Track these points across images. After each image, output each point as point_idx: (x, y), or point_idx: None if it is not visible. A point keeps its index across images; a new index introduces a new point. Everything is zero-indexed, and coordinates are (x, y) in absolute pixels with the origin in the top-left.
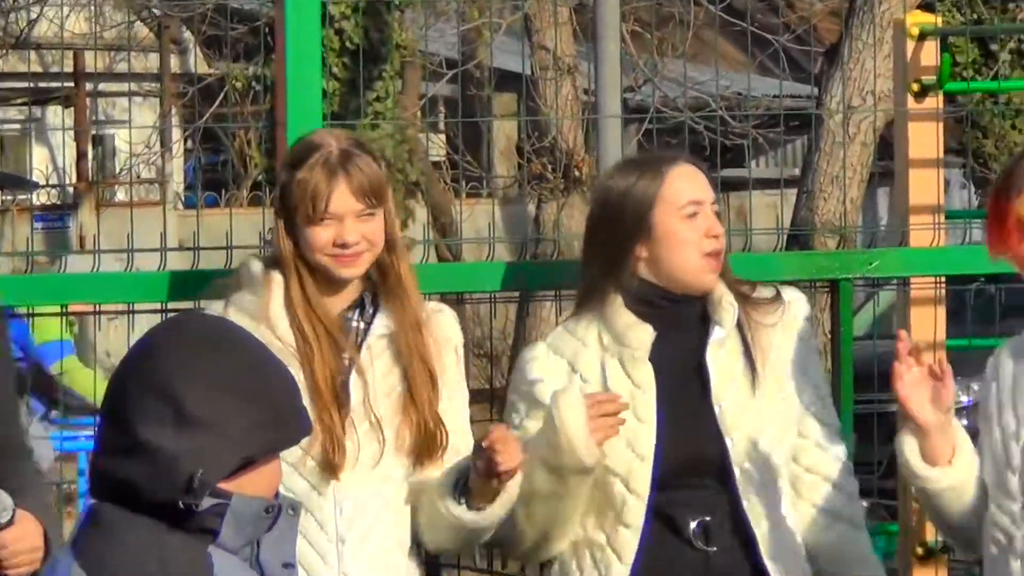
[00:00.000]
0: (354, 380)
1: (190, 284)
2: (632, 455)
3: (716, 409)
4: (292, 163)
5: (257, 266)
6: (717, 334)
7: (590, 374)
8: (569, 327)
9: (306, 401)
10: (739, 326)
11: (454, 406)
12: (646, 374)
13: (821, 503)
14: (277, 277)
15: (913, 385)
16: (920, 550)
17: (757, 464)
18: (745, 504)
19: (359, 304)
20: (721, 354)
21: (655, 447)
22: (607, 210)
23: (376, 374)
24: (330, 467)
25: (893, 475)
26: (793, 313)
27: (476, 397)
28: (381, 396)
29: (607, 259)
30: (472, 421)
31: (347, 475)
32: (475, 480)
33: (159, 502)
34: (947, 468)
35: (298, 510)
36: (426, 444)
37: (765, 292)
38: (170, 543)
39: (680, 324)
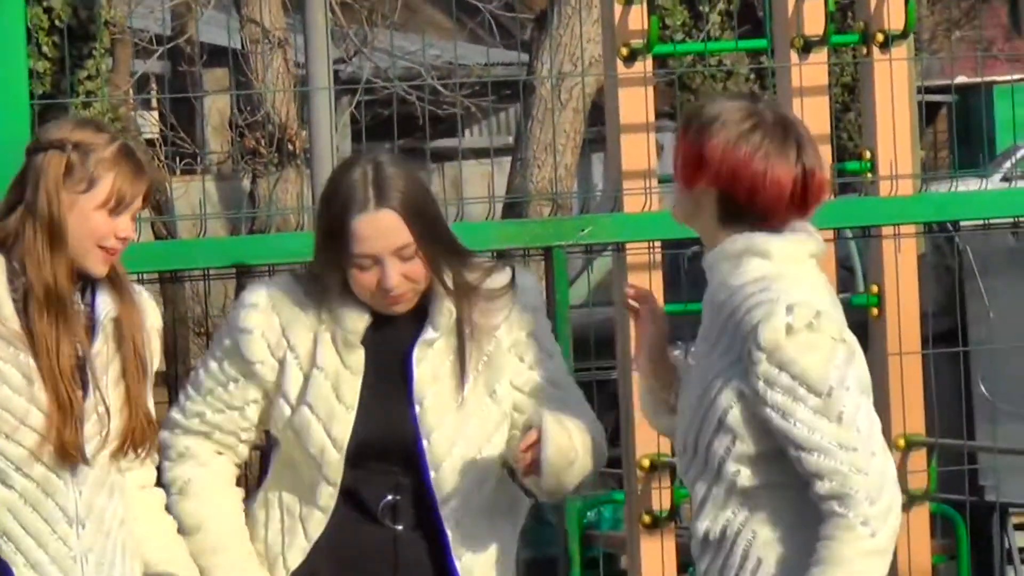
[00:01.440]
0: (88, 364)
1: None
2: (327, 439)
3: (416, 408)
4: (46, 142)
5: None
6: (427, 334)
7: (300, 344)
8: (295, 283)
9: (37, 385)
10: (458, 324)
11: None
12: (357, 358)
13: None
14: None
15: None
16: (647, 518)
17: (457, 459)
18: (433, 482)
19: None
20: (429, 353)
21: (351, 431)
22: (326, 201)
23: (105, 359)
24: (68, 453)
25: (617, 443)
26: (523, 303)
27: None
28: (112, 383)
29: (327, 246)
30: None
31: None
32: None
33: None
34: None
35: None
36: (135, 440)
37: (500, 279)
38: None
39: (396, 317)
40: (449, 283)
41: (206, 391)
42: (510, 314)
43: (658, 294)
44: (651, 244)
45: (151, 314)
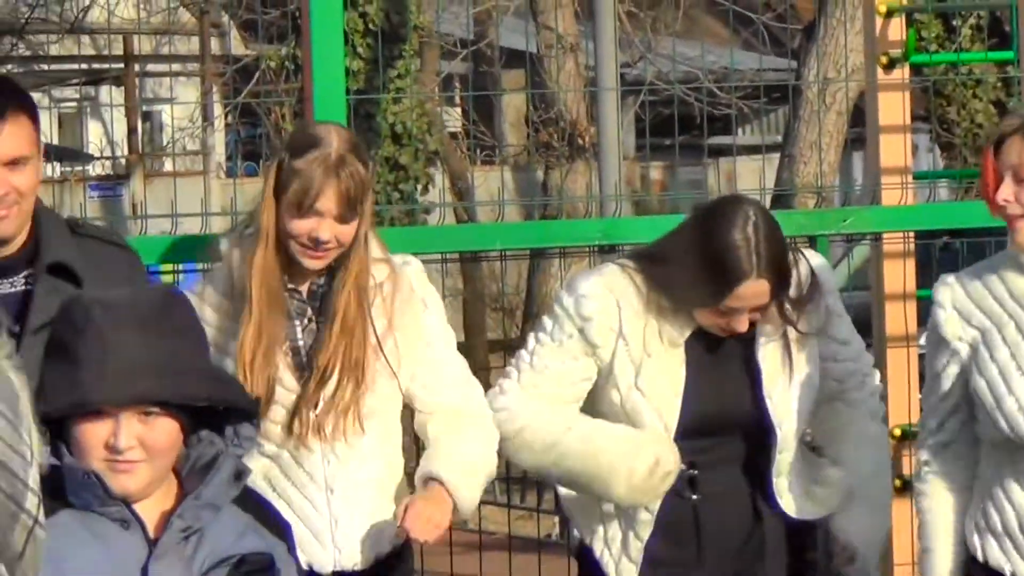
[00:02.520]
0: (311, 348)
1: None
2: (659, 422)
3: (768, 402)
4: (292, 150)
5: (224, 243)
6: (765, 346)
7: (632, 333)
8: (623, 275)
9: (259, 363)
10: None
11: (437, 356)
12: (680, 351)
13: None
14: (236, 254)
15: None
16: (898, 482)
17: (788, 432)
18: (778, 455)
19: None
20: (766, 352)
21: (679, 414)
22: (702, 256)
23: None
24: (302, 427)
25: None
26: (822, 291)
27: (494, 347)
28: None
29: (698, 281)
30: (490, 368)
31: (328, 431)
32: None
33: None
34: None
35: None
36: (359, 414)
37: (803, 269)
38: None
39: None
40: (792, 319)
41: (543, 367)
42: (818, 307)
43: (912, 280)
44: (906, 234)
45: (412, 279)
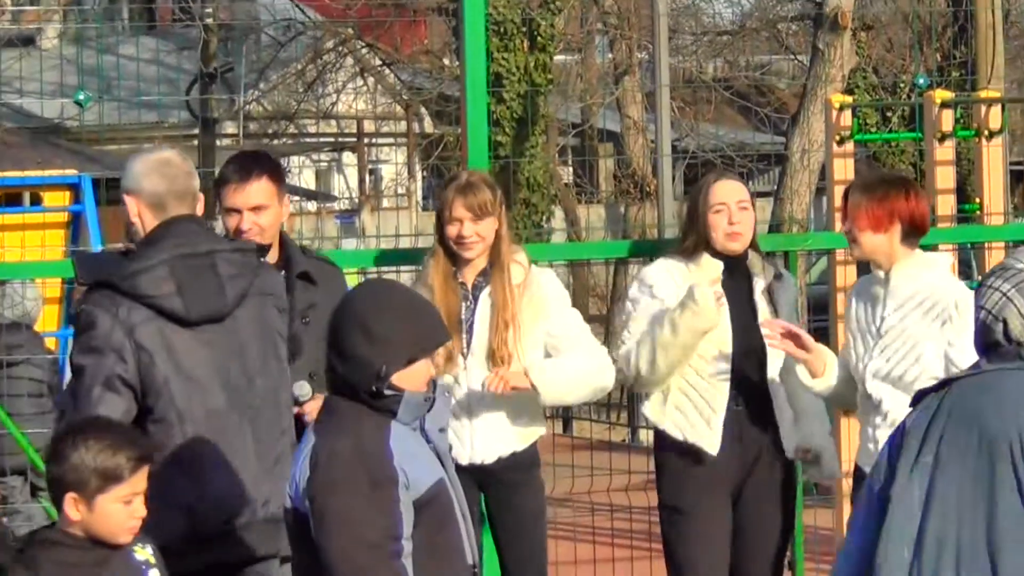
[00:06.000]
0: (476, 318)
1: (421, 256)
2: (713, 345)
3: (762, 331)
4: (443, 184)
5: (429, 253)
6: (759, 285)
7: (678, 283)
8: (666, 258)
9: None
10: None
11: (568, 323)
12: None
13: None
14: (431, 261)
15: (780, 341)
16: None
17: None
18: (770, 381)
19: (481, 273)
20: (762, 297)
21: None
22: (690, 204)
23: (483, 316)
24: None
25: None
26: (785, 282)
27: (591, 320)
28: (488, 328)
29: (695, 230)
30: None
31: (472, 369)
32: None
33: (365, 390)
34: (820, 378)
35: (452, 392)
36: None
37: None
38: (365, 418)
39: (734, 274)
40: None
41: (636, 329)
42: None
43: (852, 278)
44: (848, 249)
45: (545, 284)
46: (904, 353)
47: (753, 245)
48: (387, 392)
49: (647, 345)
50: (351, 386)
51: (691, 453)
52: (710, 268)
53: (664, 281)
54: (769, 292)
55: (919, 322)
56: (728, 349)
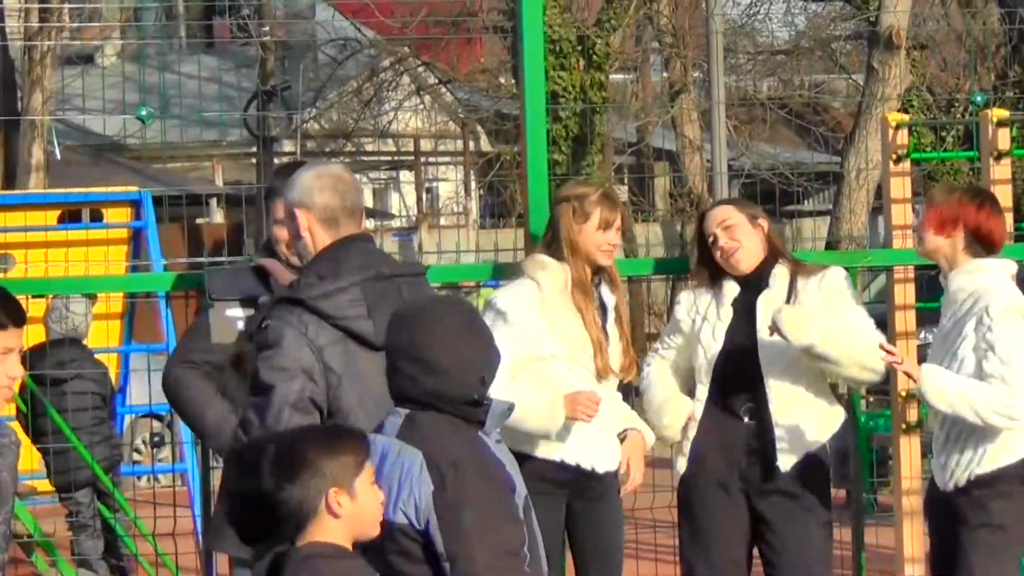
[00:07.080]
0: (608, 325)
1: (483, 270)
2: (705, 360)
3: (759, 337)
4: (561, 198)
5: (543, 256)
6: (768, 294)
7: (701, 303)
8: (692, 293)
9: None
10: (790, 287)
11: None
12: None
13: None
14: (565, 265)
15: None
16: (904, 425)
17: (784, 369)
18: (769, 393)
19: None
20: (765, 301)
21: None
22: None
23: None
24: (600, 373)
25: None
26: (829, 276)
27: (652, 338)
28: (614, 337)
29: (703, 262)
30: (648, 350)
31: (605, 379)
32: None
33: (466, 400)
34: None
35: (513, 408)
36: (626, 368)
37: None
38: (459, 430)
39: (748, 288)
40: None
41: (668, 343)
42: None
43: (911, 297)
44: (906, 268)
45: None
46: (946, 360)
47: (775, 253)
48: (484, 401)
49: (645, 396)
50: (441, 397)
51: (695, 460)
52: (729, 292)
53: (686, 308)
54: (792, 289)
55: (961, 323)
56: (711, 373)
